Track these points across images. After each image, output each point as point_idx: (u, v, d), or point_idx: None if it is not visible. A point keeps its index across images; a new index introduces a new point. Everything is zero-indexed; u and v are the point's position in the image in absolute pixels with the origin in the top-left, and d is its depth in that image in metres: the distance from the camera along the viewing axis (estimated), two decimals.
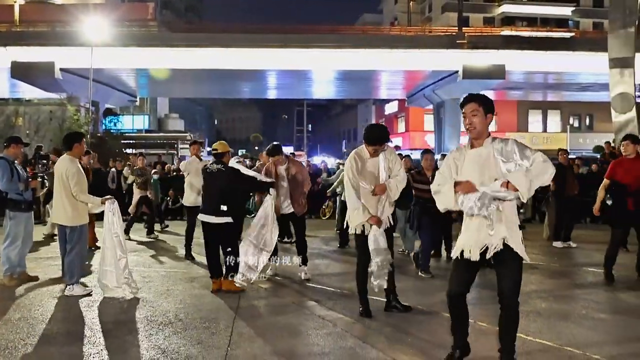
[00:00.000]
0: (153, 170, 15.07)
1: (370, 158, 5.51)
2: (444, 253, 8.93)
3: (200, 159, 9.19)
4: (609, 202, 9.63)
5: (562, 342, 4.72)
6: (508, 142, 3.87)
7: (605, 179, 7.58)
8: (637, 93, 20.28)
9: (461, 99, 4.14)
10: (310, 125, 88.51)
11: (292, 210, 7.41)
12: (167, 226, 13.33)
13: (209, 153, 10.44)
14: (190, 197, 8.50)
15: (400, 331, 5.04)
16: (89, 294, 6.38)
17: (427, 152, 8.47)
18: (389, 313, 5.63)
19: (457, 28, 40.48)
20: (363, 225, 5.43)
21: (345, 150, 56.03)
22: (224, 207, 6.53)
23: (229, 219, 6.60)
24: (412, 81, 41.83)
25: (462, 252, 3.94)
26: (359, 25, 68.88)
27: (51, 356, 4.44)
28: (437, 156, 17.06)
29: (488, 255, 3.82)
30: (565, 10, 57.62)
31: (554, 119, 51.60)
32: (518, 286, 3.83)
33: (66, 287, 6.43)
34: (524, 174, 3.72)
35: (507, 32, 45.03)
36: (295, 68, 35.91)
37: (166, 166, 19.10)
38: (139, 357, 4.36)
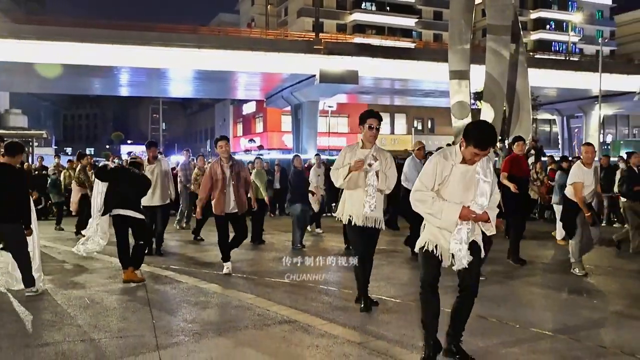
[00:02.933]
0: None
1: (361, 149, 5.55)
2: None
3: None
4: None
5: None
6: (488, 160, 3.99)
7: (504, 173, 8.60)
8: (472, 101, 23.11)
9: (482, 139, 3.86)
10: (164, 124, 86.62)
11: (237, 210, 7.46)
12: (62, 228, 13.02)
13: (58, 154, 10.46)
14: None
15: (296, 301, 5.96)
16: None
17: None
18: (281, 291, 6.53)
19: (313, 33, 42.44)
20: (350, 216, 5.57)
21: (209, 150, 55.87)
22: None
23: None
24: (271, 83, 43.02)
25: (430, 247, 4.06)
26: (214, 24, 68.89)
27: None
28: (308, 156, 18.23)
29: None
30: (410, 22, 62.41)
31: (401, 122, 55.69)
32: (479, 277, 4.17)
33: None
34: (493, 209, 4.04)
35: (359, 39, 47.87)
36: (154, 66, 35.51)
37: (25, 165, 18.45)
38: (75, 332, 4.84)
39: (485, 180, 3.93)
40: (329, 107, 42.36)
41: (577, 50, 67.78)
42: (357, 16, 60.75)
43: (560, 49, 66.87)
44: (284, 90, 42.47)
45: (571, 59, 54.94)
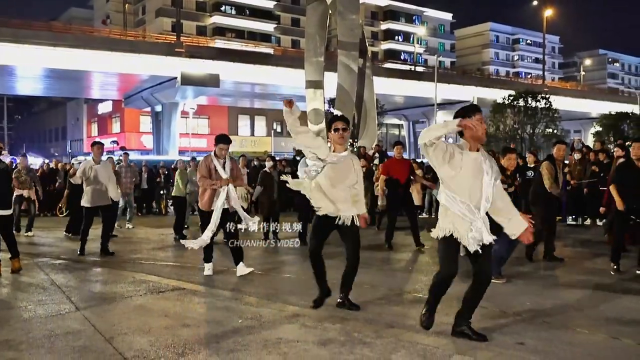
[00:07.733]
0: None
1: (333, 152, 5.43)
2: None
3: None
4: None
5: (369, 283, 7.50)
6: (490, 158, 4.36)
7: (381, 175, 10.32)
8: (327, 106, 25.32)
9: (468, 107, 4.32)
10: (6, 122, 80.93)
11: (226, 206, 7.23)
12: None
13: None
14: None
15: (182, 276, 7.19)
16: None
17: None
18: (168, 269, 7.74)
19: (173, 34, 42.84)
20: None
21: (69, 150, 53.60)
22: None
23: None
24: (130, 84, 42.74)
25: (451, 233, 4.26)
26: (65, 18, 66.04)
27: None
28: (170, 158, 18.96)
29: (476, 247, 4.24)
30: (269, 27, 64.40)
31: (260, 124, 57.48)
32: (491, 262, 4.49)
33: None
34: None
35: (220, 43, 48.89)
36: (1, 63, 34.13)
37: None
38: (1, 304, 5.82)
39: (490, 181, 4.24)
40: (191, 108, 43.00)
41: (422, 60, 73.92)
42: (217, 19, 61.57)
43: (408, 59, 72.55)
44: (144, 91, 42.42)
45: (417, 69, 60.06)
